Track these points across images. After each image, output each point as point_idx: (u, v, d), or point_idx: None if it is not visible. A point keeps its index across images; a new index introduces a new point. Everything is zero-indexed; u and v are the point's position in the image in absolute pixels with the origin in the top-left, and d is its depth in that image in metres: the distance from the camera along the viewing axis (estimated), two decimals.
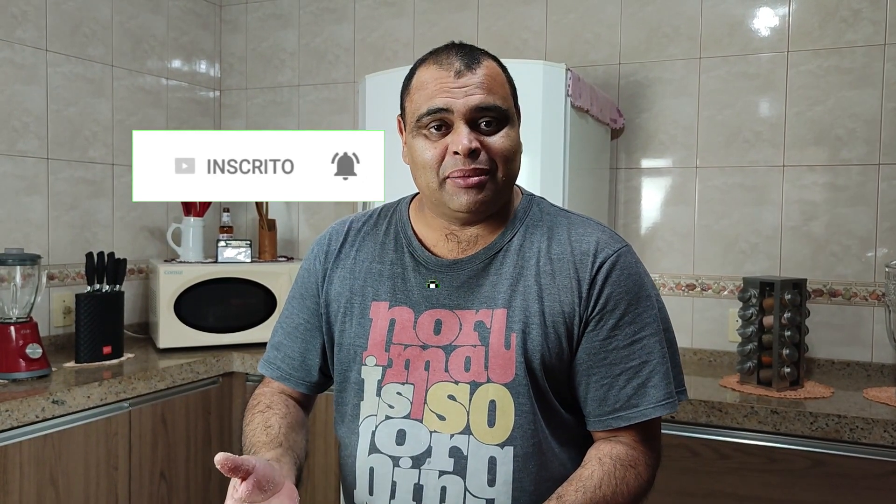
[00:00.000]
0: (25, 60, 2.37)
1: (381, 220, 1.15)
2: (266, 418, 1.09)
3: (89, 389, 1.97)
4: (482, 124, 1.00)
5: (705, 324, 2.43)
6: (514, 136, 1.03)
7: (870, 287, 2.23)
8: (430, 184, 1.02)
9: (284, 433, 1.06)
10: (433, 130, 1.01)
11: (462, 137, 0.98)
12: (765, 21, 2.35)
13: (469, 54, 1.02)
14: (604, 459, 1.00)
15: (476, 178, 1.00)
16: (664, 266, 2.48)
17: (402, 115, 1.08)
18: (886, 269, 1.99)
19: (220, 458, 0.84)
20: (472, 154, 0.99)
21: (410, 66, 1.08)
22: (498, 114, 1.00)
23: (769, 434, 1.82)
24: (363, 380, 1.07)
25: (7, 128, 2.32)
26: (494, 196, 1.02)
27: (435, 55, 1.03)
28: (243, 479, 0.86)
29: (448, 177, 1.00)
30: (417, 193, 1.15)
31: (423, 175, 1.03)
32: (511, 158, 1.03)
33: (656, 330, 1.04)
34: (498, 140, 1.01)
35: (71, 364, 2.22)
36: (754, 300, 2.06)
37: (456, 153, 0.99)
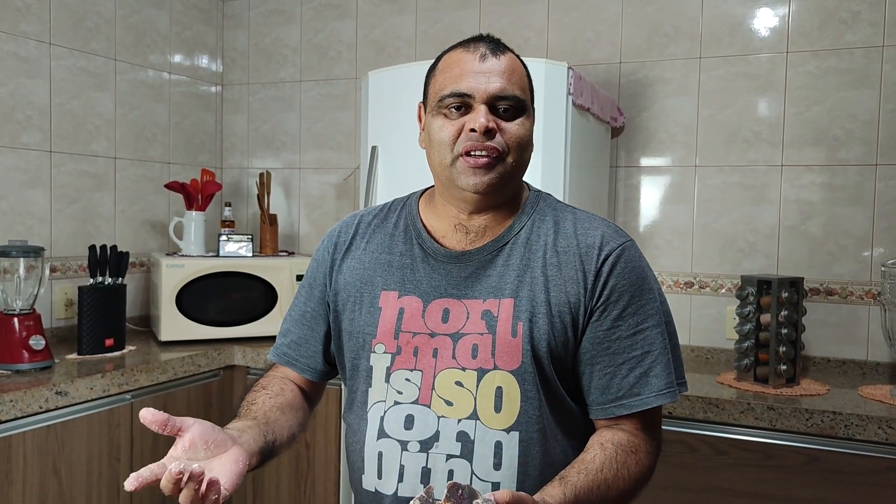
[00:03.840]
0: (29, 54, 2.38)
1: (391, 213, 1.19)
2: (254, 397, 1.13)
3: (92, 381, 1.98)
4: (500, 110, 1.05)
5: (703, 321, 2.45)
6: (529, 126, 1.09)
7: (866, 286, 2.26)
8: (444, 160, 1.06)
9: (265, 410, 1.09)
10: (453, 110, 1.06)
11: (480, 116, 1.03)
12: (765, 22, 2.37)
13: (496, 43, 1.09)
14: (606, 445, 1.03)
15: (486, 160, 1.04)
16: (663, 264, 2.51)
17: (425, 99, 1.13)
18: (882, 269, 2.02)
19: (144, 412, 0.86)
20: (487, 133, 1.03)
21: (415, 62, 1.12)
22: (516, 103, 1.06)
23: (765, 430, 1.84)
24: (372, 367, 1.10)
25: (11, 121, 2.33)
26: (502, 180, 1.06)
27: (463, 42, 1.10)
28: (177, 436, 0.89)
29: (461, 154, 1.05)
30: (427, 188, 1.19)
31: (437, 152, 1.07)
32: (523, 147, 1.07)
33: (658, 322, 1.07)
34: (513, 126, 1.06)
35: (73, 356, 2.23)
36: (752, 298, 2.08)
37: (472, 130, 1.03)
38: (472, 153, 1.04)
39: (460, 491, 0.82)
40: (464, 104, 1.05)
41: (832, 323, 2.30)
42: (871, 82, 2.25)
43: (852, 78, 2.27)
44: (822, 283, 2.30)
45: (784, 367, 2.02)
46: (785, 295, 2.03)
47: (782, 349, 2.02)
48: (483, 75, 1.04)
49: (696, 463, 1.89)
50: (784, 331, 2.03)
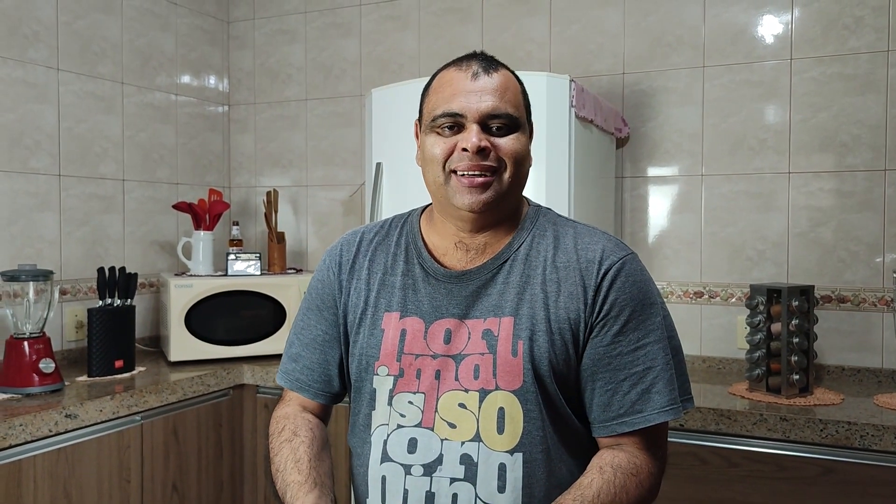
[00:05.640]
0: (37, 79, 2.41)
1: (392, 230, 1.18)
2: (294, 449, 1.10)
3: (102, 403, 1.99)
4: (493, 128, 1.05)
5: (713, 331, 2.43)
6: (524, 141, 1.08)
7: (878, 293, 2.23)
8: (437, 178, 1.06)
9: (315, 466, 1.08)
10: (446, 129, 1.05)
11: (472, 136, 1.03)
12: (768, 29, 2.36)
13: (488, 61, 1.08)
14: (604, 468, 1.01)
15: (481, 179, 1.03)
16: (671, 274, 2.49)
17: (420, 117, 1.12)
18: (894, 275, 1.99)
19: None
20: (480, 152, 1.03)
21: (418, 78, 1.12)
22: (509, 121, 1.05)
23: (779, 441, 1.82)
24: (375, 389, 1.09)
25: (20, 146, 2.36)
26: (498, 197, 1.05)
27: (456, 60, 1.10)
28: None
29: (454, 171, 1.04)
30: (428, 205, 1.18)
31: (431, 170, 1.07)
32: (519, 161, 1.06)
33: (660, 337, 1.05)
34: (507, 142, 1.05)
35: (83, 378, 2.24)
36: (762, 307, 2.06)
37: (465, 150, 1.03)
38: (466, 173, 1.03)
39: None
40: (456, 123, 1.04)
41: (845, 330, 2.27)
42: (877, 87, 2.23)
43: (858, 83, 2.25)
44: (834, 291, 2.28)
45: (797, 377, 2.00)
46: (795, 303, 2.01)
47: (794, 358, 2.00)
48: (475, 94, 1.03)
49: (708, 475, 1.87)
50: (796, 340, 2.01)
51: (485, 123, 1.04)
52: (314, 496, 1.02)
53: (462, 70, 1.06)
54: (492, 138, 1.04)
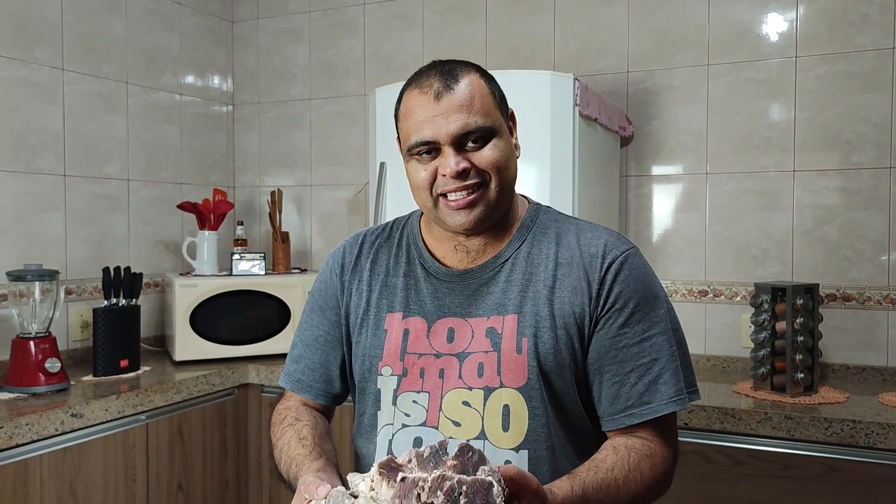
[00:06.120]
0: (43, 80, 2.41)
1: (394, 231, 1.19)
2: (298, 430, 1.12)
3: (107, 402, 1.99)
4: (468, 144, 1.04)
5: (718, 330, 2.42)
6: (503, 145, 1.06)
7: (884, 291, 2.22)
8: (426, 203, 1.07)
9: (318, 443, 1.09)
10: (424, 156, 1.05)
11: (449, 161, 1.02)
12: (773, 27, 2.36)
13: (448, 73, 1.05)
14: (618, 448, 1.02)
15: (467, 199, 1.03)
16: (676, 272, 2.48)
17: (398, 137, 1.12)
18: None
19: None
20: (461, 175, 1.03)
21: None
22: (482, 132, 1.04)
23: (783, 440, 1.82)
24: (379, 390, 1.10)
25: (25, 146, 2.37)
26: (489, 209, 1.06)
27: (416, 78, 1.07)
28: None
29: (441, 194, 1.04)
30: None
31: (419, 195, 1.08)
32: (502, 168, 1.05)
33: (665, 329, 1.06)
34: (486, 153, 1.04)
35: (89, 377, 2.25)
36: (766, 306, 2.06)
37: (445, 175, 1.03)
38: (452, 196, 1.03)
39: (470, 453, 0.82)
40: (432, 149, 1.04)
41: (850, 329, 2.26)
42: (882, 85, 2.22)
43: (863, 81, 2.25)
44: (839, 289, 2.27)
45: (801, 376, 1.99)
46: (800, 302, 2.00)
47: (799, 357, 2.00)
48: (441, 117, 1.02)
49: (713, 474, 1.87)
50: (800, 338, 2.00)
51: (459, 143, 1.03)
52: (320, 463, 1.02)
53: (423, 92, 1.04)
54: (469, 155, 1.03)
